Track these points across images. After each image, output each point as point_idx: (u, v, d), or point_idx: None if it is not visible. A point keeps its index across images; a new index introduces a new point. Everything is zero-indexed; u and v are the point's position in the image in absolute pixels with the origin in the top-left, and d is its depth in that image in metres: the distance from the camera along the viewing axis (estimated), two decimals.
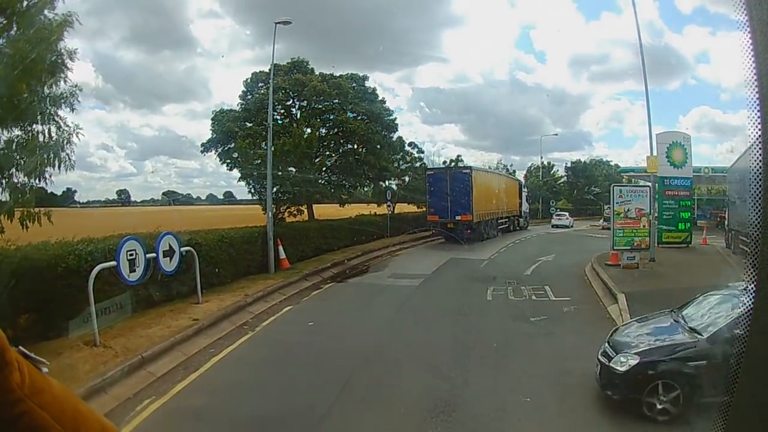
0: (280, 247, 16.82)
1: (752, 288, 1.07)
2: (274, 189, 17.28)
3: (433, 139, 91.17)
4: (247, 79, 24.01)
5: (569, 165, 60.79)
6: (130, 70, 46.57)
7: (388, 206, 28.57)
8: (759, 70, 1.04)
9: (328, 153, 24.48)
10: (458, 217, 25.89)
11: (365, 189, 29.77)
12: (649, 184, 20.41)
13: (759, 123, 1.06)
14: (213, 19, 52.69)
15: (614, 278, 14.34)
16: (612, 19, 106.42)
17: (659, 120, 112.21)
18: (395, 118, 26.07)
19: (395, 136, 28.67)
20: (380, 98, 25.35)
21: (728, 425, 1.18)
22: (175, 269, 11.42)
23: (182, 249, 11.67)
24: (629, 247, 16.51)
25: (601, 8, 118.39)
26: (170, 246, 11.33)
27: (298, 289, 14.91)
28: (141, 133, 52.60)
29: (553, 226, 36.83)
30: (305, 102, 22.95)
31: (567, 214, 40.41)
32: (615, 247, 16.65)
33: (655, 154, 20.80)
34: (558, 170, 58.22)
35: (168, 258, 11.25)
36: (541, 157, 57.57)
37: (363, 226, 25.35)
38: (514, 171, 47.66)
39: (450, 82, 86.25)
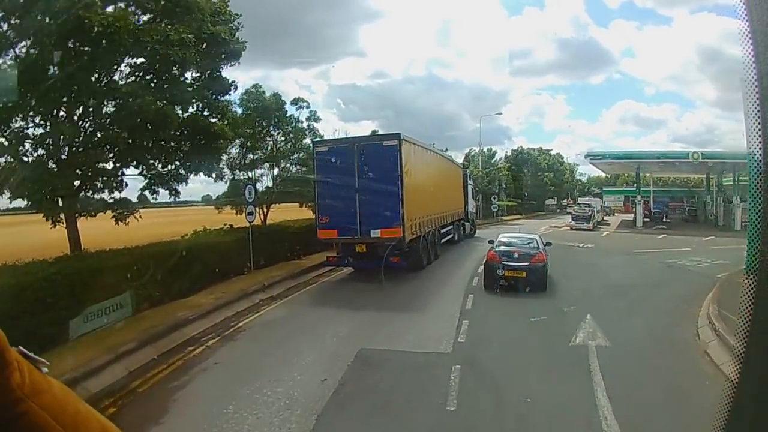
0: None
1: (752, 288, 1.03)
2: None
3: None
4: None
5: (509, 154, 51.39)
6: None
7: (250, 216, 15.59)
8: (759, 70, 1.01)
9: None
10: (376, 233, 13.37)
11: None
12: None
13: (759, 123, 1.03)
14: None
15: None
16: (535, 14, 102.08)
17: (581, 114, 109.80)
18: (237, 26, 12.54)
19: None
20: None
21: (728, 425, 1.12)
22: None
23: None
24: None
25: (524, 3, 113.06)
26: None
27: None
28: None
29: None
30: None
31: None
32: None
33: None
34: (501, 158, 47.95)
35: None
36: (480, 143, 47.51)
37: (190, 259, 12.49)
38: (451, 159, 36.11)
39: (368, 78, 79.25)
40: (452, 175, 22.65)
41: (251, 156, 17.97)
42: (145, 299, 10.91)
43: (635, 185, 39.09)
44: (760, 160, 1.02)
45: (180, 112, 12.66)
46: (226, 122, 15.44)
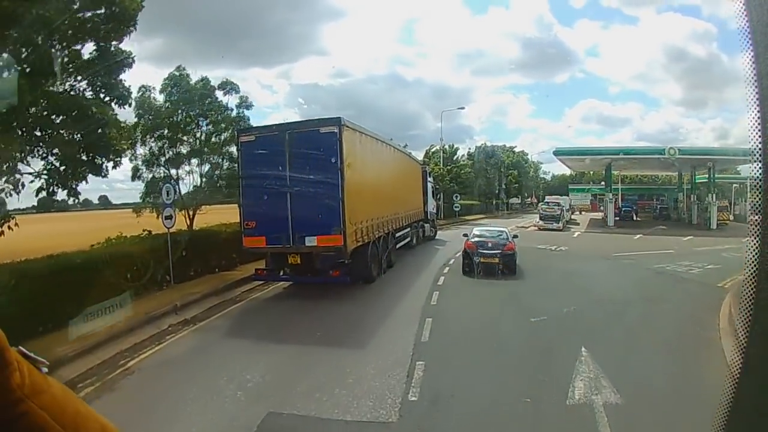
0: None
1: (752, 288, 1.00)
2: None
3: None
4: None
5: (472, 150, 49.48)
6: None
7: (168, 220, 13.06)
8: (759, 70, 0.99)
9: None
10: (312, 241, 10.95)
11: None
12: None
13: (759, 123, 1.01)
14: None
15: None
16: (499, 14, 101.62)
17: (543, 113, 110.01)
18: None
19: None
20: None
21: (728, 425, 1.09)
22: None
23: None
24: None
25: (488, 2, 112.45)
26: None
27: None
28: None
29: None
30: None
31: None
32: None
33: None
34: (463, 155, 45.95)
35: None
36: (442, 139, 45.27)
37: (92, 275, 9.90)
38: (409, 154, 33.79)
39: (330, 77, 78.00)
40: (410, 172, 20.36)
41: (174, 150, 15.25)
42: (21, 329, 8.26)
43: (603, 183, 37.77)
44: (760, 161, 1.00)
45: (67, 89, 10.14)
46: (139, 110, 12.86)
